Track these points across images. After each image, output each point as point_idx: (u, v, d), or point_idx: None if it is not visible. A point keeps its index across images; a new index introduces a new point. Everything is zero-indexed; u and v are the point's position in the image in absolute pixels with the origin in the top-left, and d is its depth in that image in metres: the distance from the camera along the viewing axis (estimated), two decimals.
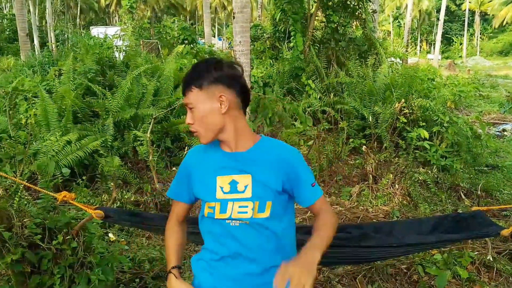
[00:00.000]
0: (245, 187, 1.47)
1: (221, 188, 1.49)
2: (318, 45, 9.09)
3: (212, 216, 1.50)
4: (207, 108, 1.44)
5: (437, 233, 2.41)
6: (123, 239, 3.79)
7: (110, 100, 5.94)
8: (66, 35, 20.52)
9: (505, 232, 2.36)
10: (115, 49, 8.17)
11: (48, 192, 2.01)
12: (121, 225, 3.18)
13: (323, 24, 9.40)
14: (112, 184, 3.20)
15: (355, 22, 9.49)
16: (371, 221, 4.24)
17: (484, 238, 3.33)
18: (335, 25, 8.71)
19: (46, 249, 2.25)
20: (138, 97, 6.29)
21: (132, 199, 4.39)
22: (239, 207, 1.47)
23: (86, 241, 2.41)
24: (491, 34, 55.43)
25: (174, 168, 5.92)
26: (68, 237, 2.34)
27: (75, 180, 4.88)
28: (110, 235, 3.67)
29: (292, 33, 8.57)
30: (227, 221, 1.49)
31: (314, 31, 9.10)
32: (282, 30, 9.37)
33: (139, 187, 4.97)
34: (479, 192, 4.50)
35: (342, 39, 8.90)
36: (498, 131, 9.40)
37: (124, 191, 4.74)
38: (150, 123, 5.36)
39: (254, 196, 1.46)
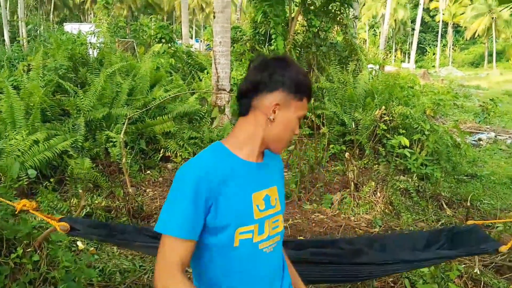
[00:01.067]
0: (275, 200, 1.34)
1: (257, 206, 1.27)
2: (299, 49, 8.97)
3: (249, 241, 1.25)
4: None
5: (433, 249, 2.27)
6: (93, 247, 3.52)
7: (82, 98, 5.63)
8: (38, 31, 19.87)
9: (503, 249, 2.24)
10: (89, 46, 7.84)
11: (5, 200, 1.75)
12: (89, 239, 2.91)
13: (304, 28, 9.29)
14: (80, 191, 2.93)
15: (336, 27, 9.42)
16: (363, 234, 4.09)
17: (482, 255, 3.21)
18: (316, 29, 8.60)
19: (3, 264, 1.98)
20: (112, 96, 6.00)
21: (103, 204, 4.12)
22: (273, 222, 1.32)
23: (49, 253, 2.15)
24: (463, 46, 56.95)
25: (148, 171, 5.66)
26: (29, 249, 2.08)
27: (42, 182, 4.59)
28: (79, 243, 3.40)
29: (273, 36, 8.42)
30: (264, 248, 1.29)
31: (295, 35, 8.98)
32: (263, 33, 9.20)
33: (111, 191, 4.69)
34: (469, 203, 4.41)
35: (323, 44, 8.80)
36: (474, 140, 9.48)
37: (94, 196, 4.46)
38: (123, 124, 5.10)
39: (282, 208, 1.37)
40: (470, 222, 2.45)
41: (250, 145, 1.29)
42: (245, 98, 1.30)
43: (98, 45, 7.96)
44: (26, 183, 4.37)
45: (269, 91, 1.26)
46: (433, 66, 46.52)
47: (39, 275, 2.11)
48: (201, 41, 35.10)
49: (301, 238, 3.98)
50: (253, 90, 1.27)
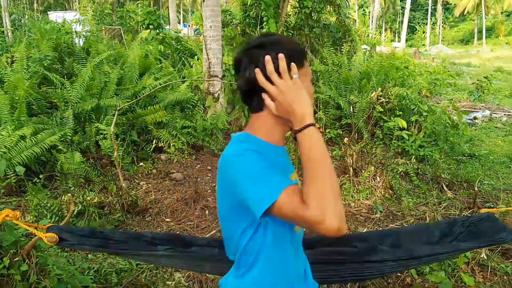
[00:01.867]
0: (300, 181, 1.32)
1: None
2: (292, 32, 8.74)
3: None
4: None
5: (448, 241, 2.16)
6: None
7: (69, 90, 5.42)
8: (22, 21, 19.39)
9: None
10: (74, 35, 7.57)
11: None
12: (81, 250, 2.75)
13: (296, 9, 9.05)
14: (69, 195, 2.74)
15: (328, 8, 9.18)
16: (376, 230, 3.98)
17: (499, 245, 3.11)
18: (309, 10, 8.37)
19: None
20: (100, 86, 5.78)
21: (95, 201, 3.95)
22: None
23: (39, 262, 2.00)
24: (453, 23, 56.77)
25: (141, 163, 5.49)
26: (17, 258, 1.93)
27: (31, 179, 4.42)
28: None
29: (264, 19, 8.18)
30: (297, 230, 1.30)
31: (287, 17, 8.74)
32: (254, 16, 8.95)
33: (104, 186, 4.53)
34: (476, 188, 4.31)
35: (316, 26, 8.58)
36: (469, 119, 9.40)
37: (87, 191, 4.29)
38: (113, 115, 4.91)
39: None
40: (483, 210, 2.33)
41: (277, 133, 1.26)
42: (253, 97, 1.20)
43: (83, 33, 7.69)
44: (14, 181, 4.21)
45: None
46: (423, 45, 46.36)
47: (29, 286, 1.96)
48: (189, 26, 34.52)
49: None
50: (258, 87, 1.17)
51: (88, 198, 3.92)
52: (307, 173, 1.05)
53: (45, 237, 1.46)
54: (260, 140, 1.22)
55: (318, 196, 1.00)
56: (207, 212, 4.27)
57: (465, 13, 48.93)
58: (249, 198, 1.08)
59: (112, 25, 14.08)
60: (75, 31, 7.75)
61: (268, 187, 1.05)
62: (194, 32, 23.89)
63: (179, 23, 38.10)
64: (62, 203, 3.79)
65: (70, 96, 5.37)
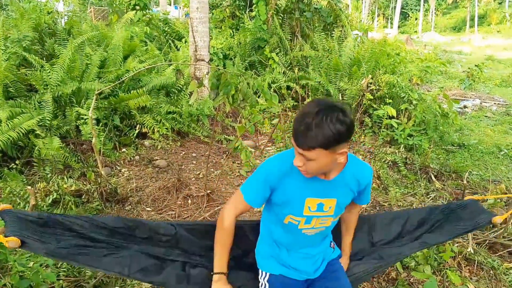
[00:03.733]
0: (330, 207, 1.68)
1: (309, 207, 1.65)
2: (282, 15, 8.52)
3: (295, 226, 1.70)
4: (326, 161, 1.46)
5: (424, 230, 2.10)
6: None
7: (49, 72, 5.20)
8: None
9: (496, 219, 2.04)
10: (57, 15, 7.28)
11: None
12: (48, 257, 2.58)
13: None
14: (29, 188, 2.53)
15: None
16: None
17: (476, 230, 2.99)
18: None
19: None
20: (82, 69, 5.56)
21: (73, 189, 3.79)
22: (321, 221, 1.70)
23: None
24: (445, 10, 56.52)
25: (124, 149, 5.32)
26: None
27: (7, 165, 4.27)
28: None
29: (254, 1, 7.95)
30: (307, 233, 1.72)
31: None
32: None
33: (83, 172, 4.38)
34: (465, 181, 4.21)
35: (307, 9, 8.36)
36: (459, 108, 9.33)
37: (65, 178, 4.13)
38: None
39: (335, 214, 1.71)
40: (467, 197, 2.24)
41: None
42: None
43: (65, 13, 7.40)
44: None
45: None
46: (416, 32, 46.14)
47: None
48: (180, 7, 33.89)
49: None
50: None
51: (65, 186, 3.76)
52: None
53: (6, 241, 1.33)
54: None
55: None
56: (189, 201, 4.14)
57: (457, 0, 48.70)
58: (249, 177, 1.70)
59: (102, 6, 13.71)
60: (57, 11, 7.46)
61: (247, 184, 1.69)
62: (184, 12, 23.42)
63: (170, 4, 37.39)
64: (37, 191, 3.63)
65: (50, 78, 5.16)
